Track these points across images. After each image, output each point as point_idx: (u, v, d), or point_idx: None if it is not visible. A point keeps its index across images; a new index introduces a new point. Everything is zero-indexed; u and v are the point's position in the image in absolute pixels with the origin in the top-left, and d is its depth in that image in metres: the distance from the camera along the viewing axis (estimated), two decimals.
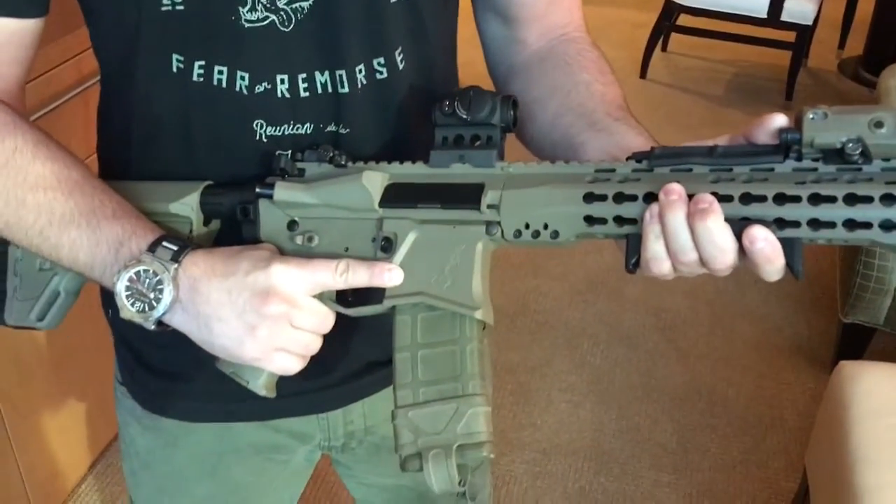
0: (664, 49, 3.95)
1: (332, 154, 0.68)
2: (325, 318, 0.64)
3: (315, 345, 0.65)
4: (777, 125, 0.56)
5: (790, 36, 3.44)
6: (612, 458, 1.96)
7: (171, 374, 0.81)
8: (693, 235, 0.55)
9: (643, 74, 3.75)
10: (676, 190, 0.55)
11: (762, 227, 0.53)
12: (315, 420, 0.86)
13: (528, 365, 2.23)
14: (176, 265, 0.62)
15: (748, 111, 3.52)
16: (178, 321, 0.64)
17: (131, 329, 0.81)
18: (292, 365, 0.64)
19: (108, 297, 0.84)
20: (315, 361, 0.79)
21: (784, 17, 3.35)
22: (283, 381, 0.80)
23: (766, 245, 0.54)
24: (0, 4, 0.64)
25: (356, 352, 0.82)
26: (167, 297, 0.62)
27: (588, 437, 2.01)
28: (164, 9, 0.65)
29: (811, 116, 0.53)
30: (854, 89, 3.72)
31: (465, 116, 0.65)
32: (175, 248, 0.63)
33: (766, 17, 3.37)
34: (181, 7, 0.65)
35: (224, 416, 0.83)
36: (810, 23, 3.39)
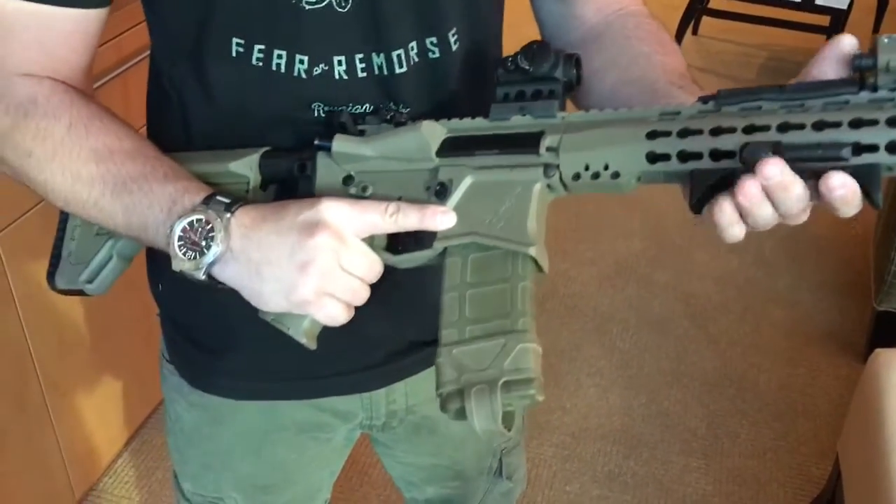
0: (695, 33, 3.91)
1: (391, 113, 0.68)
2: (372, 263, 0.64)
3: (362, 293, 0.64)
4: (846, 48, 0.55)
5: (824, 20, 3.39)
6: (642, 442, 1.96)
7: (219, 351, 0.82)
8: (773, 204, 0.54)
9: None
10: (756, 192, 0.54)
11: (839, 174, 0.51)
12: (358, 399, 0.87)
13: (557, 349, 2.23)
14: (229, 215, 0.63)
15: None
16: (229, 273, 0.63)
17: (180, 306, 0.84)
18: (339, 313, 0.63)
19: (155, 272, 0.85)
20: (359, 340, 0.81)
21: (819, 1, 3.30)
22: (327, 361, 0.81)
23: (845, 191, 0.52)
24: None
25: (399, 331, 0.83)
26: (219, 244, 0.62)
27: (617, 421, 2.02)
28: None
29: (886, 40, 0.52)
30: None
31: (527, 68, 0.64)
32: (228, 200, 0.64)
33: (800, 0, 3.32)
34: None
35: (270, 394, 0.84)
36: (845, 7, 3.34)
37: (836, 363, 2.17)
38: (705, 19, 3.84)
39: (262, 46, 0.68)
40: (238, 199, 0.65)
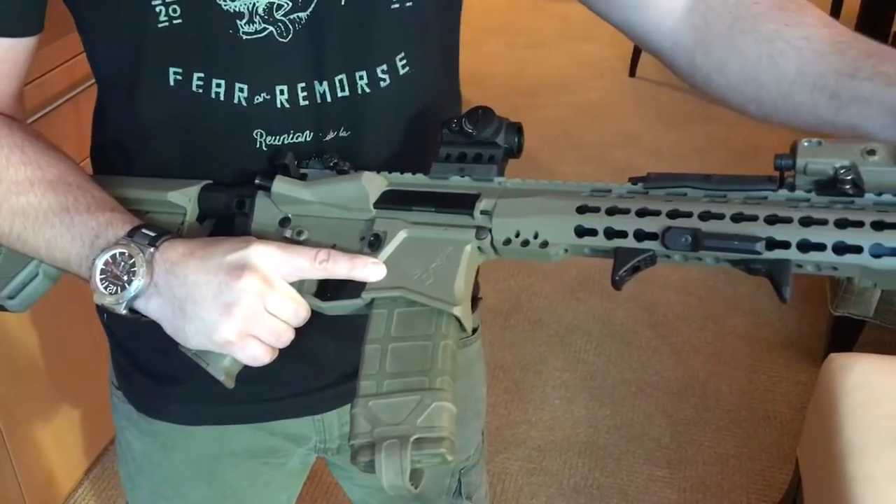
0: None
1: (335, 161, 0.69)
2: (298, 308, 0.63)
3: (286, 336, 0.64)
4: None
5: None
6: (607, 453, 1.97)
7: (168, 377, 0.81)
8: None
9: (632, 72, 3.76)
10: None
11: None
12: (311, 422, 0.87)
13: (522, 363, 2.24)
14: (152, 249, 0.62)
15: None
16: (152, 307, 0.63)
17: (127, 333, 0.83)
18: (262, 355, 0.63)
19: None
20: (310, 364, 0.81)
21: None
22: (278, 384, 0.81)
23: None
24: None
25: (350, 354, 0.81)
26: (140, 279, 0.61)
27: (582, 433, 2.03)
28: (161, 25, 0.65)
29: (805, 144, 0.55)
30: None
31: (470, 131, 0.66)
32: (153, 234, 0.63)
33: None
34: (179, 21, 0.65)
35: (221, 418, 0.83)
36: None
37: (796, 369, 2.21)
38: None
39: (202, 75, 0.68)
40: (164, 232, 0.64)
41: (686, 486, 1.88)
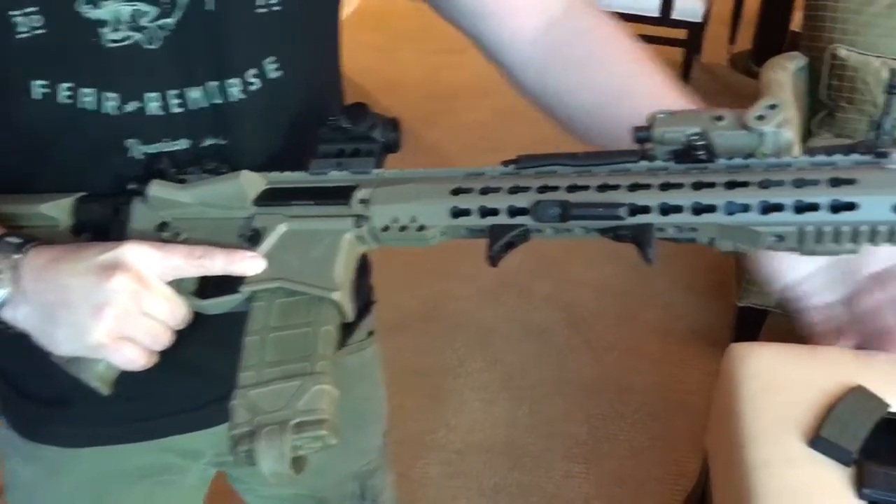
0: None
1: (213, 165, 0.69)
2: (175, 307, 0.63)
3: (164, 338, 0.63)
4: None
5: (682, 33, 3.56)
6: (526, 452, 2.00)
7: (51, 399, 0.79)
8: None
9: None
10: None
11: None
12: (205, 436, 0.85)
13: (442, 367, 2.25)
14: (18, 256, 0.61)
15: None
16: (20, 316, 0.61)
17: (6, 356, 0.81)
18: (138, 357, 0.62)
19: None
20: (199, 377, 0.80)
21: (674, 16, 3.46)
22: (168, 399, 0.80)
23: None
24: None
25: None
26: (4, 287, 0.60)
27: (502, 433, 2.05)
28: (20, 36, 0.63)
29: (661, 115, 0.59)
30: (745, 82, 3.87)
31: (346, 126, 0.67)
32: (19, 241, 0.62)
33: (658, 15, 3.48)
34: (41, 31, 0.63)
35: (110, 439, 0.82)
36: (700, 20, 3.51)
37: (706, 360, 2.27)
38: None
39: (70, 85, 0.66)
40: (31, 239, 0.62)
41: (603, 481, 1.92)
